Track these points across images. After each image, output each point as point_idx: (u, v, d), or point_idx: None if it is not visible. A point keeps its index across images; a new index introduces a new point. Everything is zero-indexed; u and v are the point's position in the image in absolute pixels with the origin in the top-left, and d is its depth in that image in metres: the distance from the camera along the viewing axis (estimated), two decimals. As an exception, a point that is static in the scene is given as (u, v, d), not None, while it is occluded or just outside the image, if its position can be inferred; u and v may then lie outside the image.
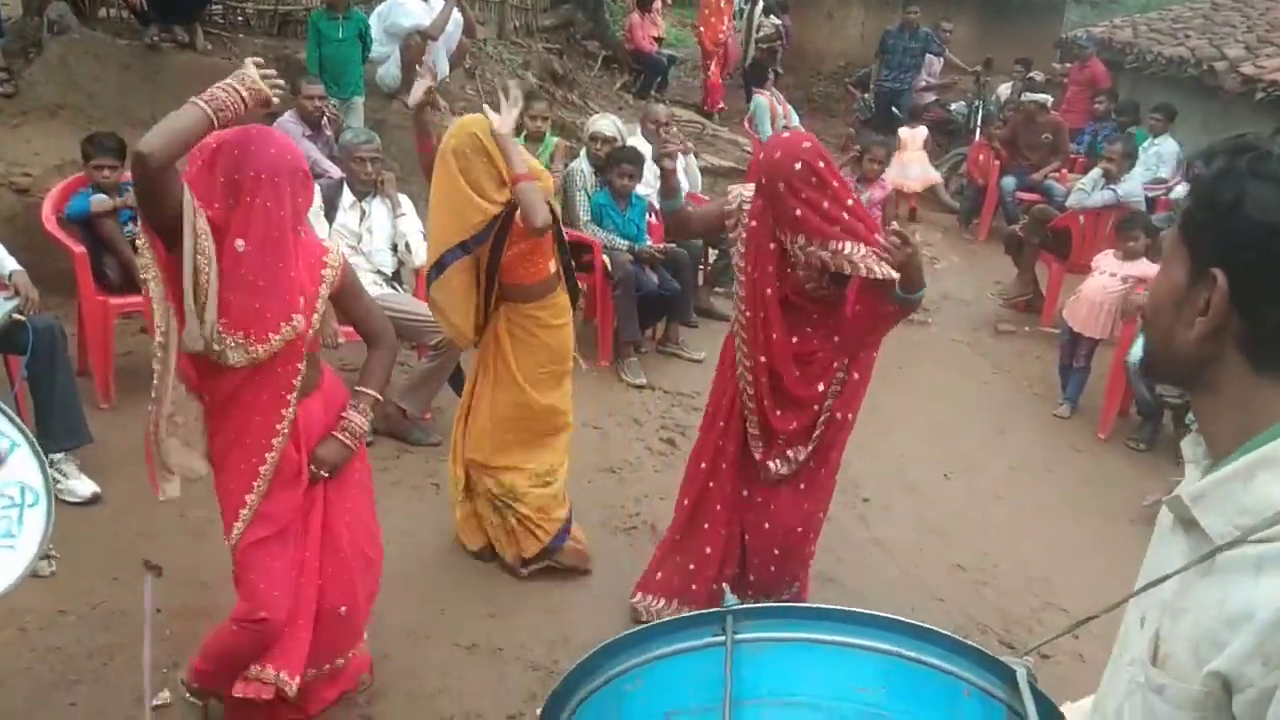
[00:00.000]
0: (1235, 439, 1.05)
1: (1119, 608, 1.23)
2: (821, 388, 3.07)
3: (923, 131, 9.70)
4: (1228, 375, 1.07)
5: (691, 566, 3.30)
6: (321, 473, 2.57)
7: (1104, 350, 5.73)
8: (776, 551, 3.21)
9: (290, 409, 2.45)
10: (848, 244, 2.84)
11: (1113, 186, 6.77)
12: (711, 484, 3.28)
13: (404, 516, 3.93)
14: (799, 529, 3.21)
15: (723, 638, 1.54)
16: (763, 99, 9.25)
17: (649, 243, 5.71)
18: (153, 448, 2.44)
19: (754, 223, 3.02)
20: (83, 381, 4.17)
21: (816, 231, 2.85)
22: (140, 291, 4.38)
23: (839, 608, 1.59)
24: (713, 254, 6.66)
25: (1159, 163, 8.31)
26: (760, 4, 14.16)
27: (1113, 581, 1.21)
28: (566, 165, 5.77)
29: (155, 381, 2.35)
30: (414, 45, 6.71)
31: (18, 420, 2.32)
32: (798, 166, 2.83)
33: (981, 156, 9.20)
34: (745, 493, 3.24)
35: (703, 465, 3.31)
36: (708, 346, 6.07)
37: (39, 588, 3.22)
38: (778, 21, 13.19)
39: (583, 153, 5.89)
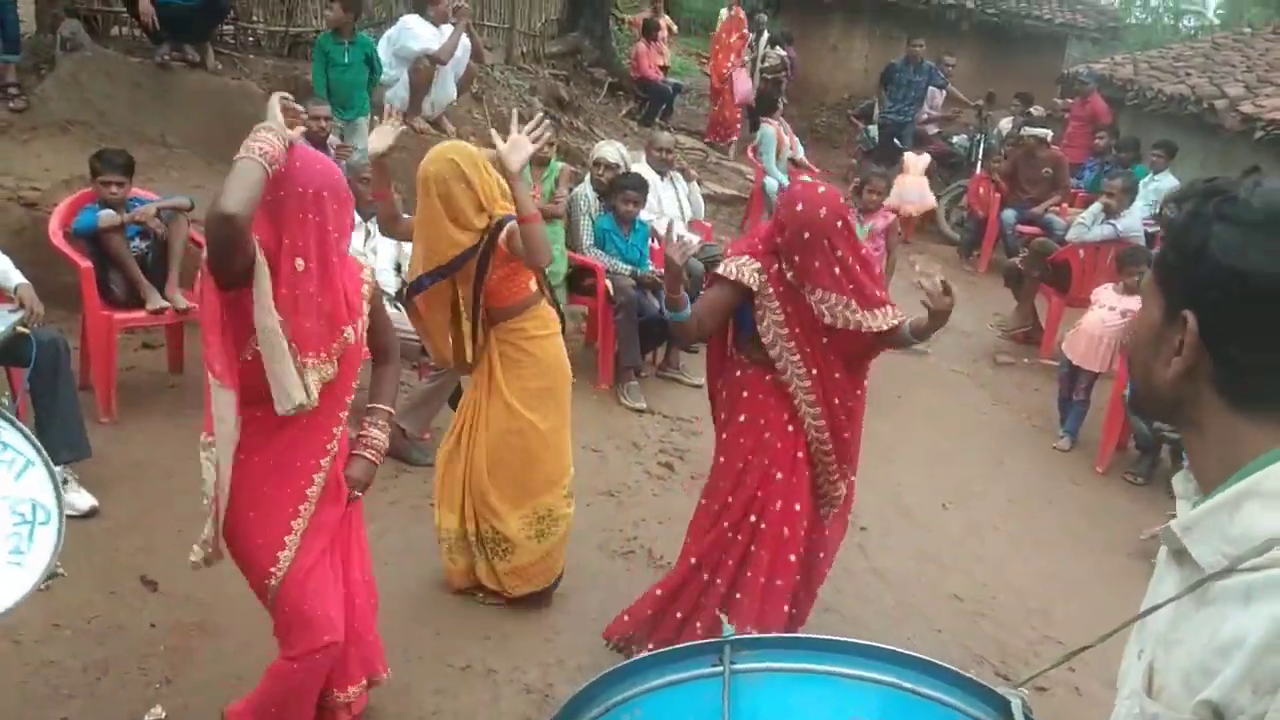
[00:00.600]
0: (1221, 472, 1.07)
1: (1112, 638, 1.25)
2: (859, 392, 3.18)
3: (926, 158, 9.77)
4: (1208, 412, 1.09)
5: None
6: (356, 493, 2.58)
7: (1103, 384, 5.75)
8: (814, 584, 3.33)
9: (341, 426, 2.46)
10: (853, 301, 2.90)
11: (1113, 221, 6.82)
12: (784, 533, 3.10)
13: (401, 536, 3.93)
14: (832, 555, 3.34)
15: (721, 668, 1.54)
16: (770, 129, 9.31)
17: (651, 268, 5.74)
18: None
19: (781, 287, 2.96)
20: (84, 395, 4.18)
21: (832, 285, 2.88)
22: (143, 307, 4.44)
23: (837, 638, 1.59)
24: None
25: (1158, 199, 8.36)
26: (766, 35, 14.32)
27: (1111, 615, 1.22)
28: (571, 190, 5.81)
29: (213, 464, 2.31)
30: (423, 69, 6.77)
31: (34, 439, 2.33)
32: (839, 224, 2.86)
33: (982, 189, 9.26)
34: (814, 538, 3.20)
35: (752, 519, 3.12)
36: (708, 372, 6.10)
37: (34, 601, 3.16)
38: (783, 53, 13.31)
39: (587, 178, 5.93)
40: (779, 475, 3.07)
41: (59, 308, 4.60)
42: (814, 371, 3.00)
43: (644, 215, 5.84)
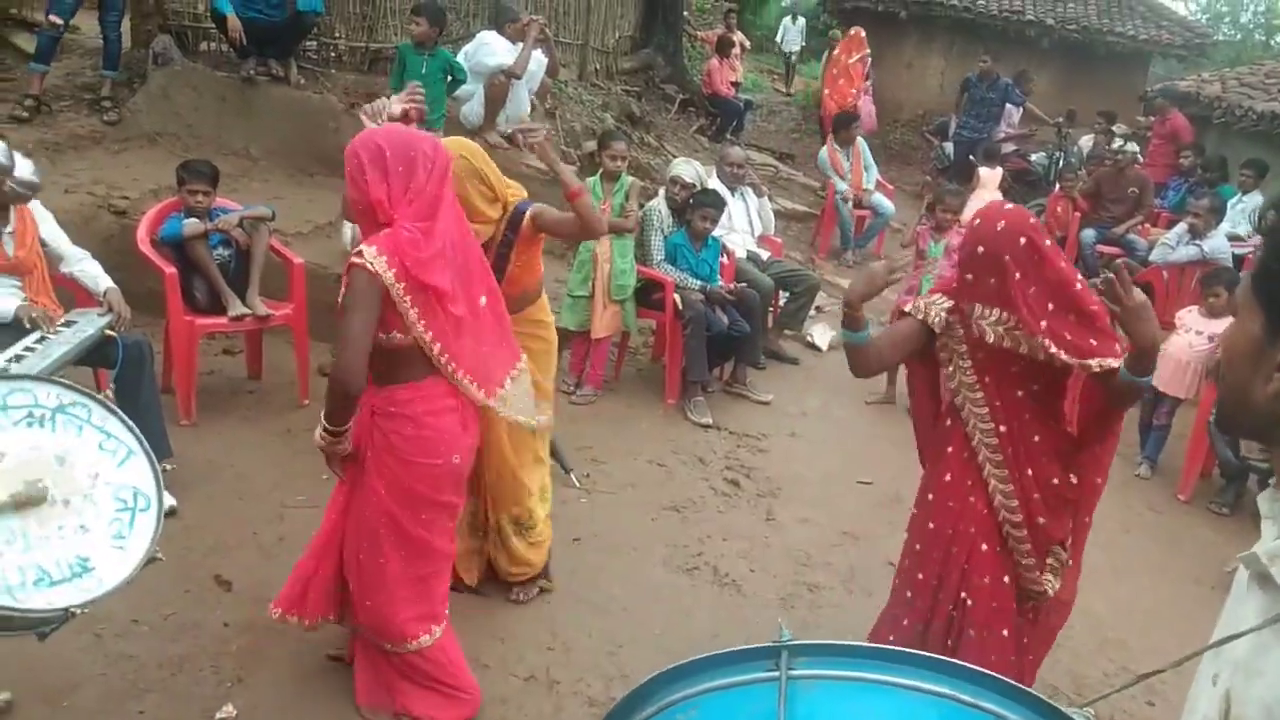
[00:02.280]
0: None
1: (1187, 664, 1.20)
2: (1073, 479, 2.76)
3: (999, 172, 9.59)
4: None
5: None
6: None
7: (1185, 409, 5.56)
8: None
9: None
10: (1035, 325, 2.56)
11: (1198, 242, 6.62)
12: (994, 606, 2.79)
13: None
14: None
15: (777, 673, 1.52)
16: (824, 152, 9.25)
17: (721, 283, 5.73)
18: None
19: (970, 328, 2.70)
20: (165, 398, 4.30)
21: (998, 302, 2.61)
22: (225, 313, 4.57)
23: (894, 648, 1.57)
24: (783, 296, 6.64)
25: (1245, 219, 8.10)
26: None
27: (1192, 648, 1.17)
28: (642, 205, 5.83)
29: None
30: (498, 84, 6.86)
31: (135, 430, 2.41)
32: (1022, 241, 2.57)
33: (1060, 208, 9.07)
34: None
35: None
36: (775, 389, 6.06)
37: (115, 597, 3.30)
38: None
39: (660, 193, 5.94)
40: (984, 546, 2.76)
41: (144, 312, 4.74)
42: (1002, 429, 2.69)
43: (716, 231, 5.83)
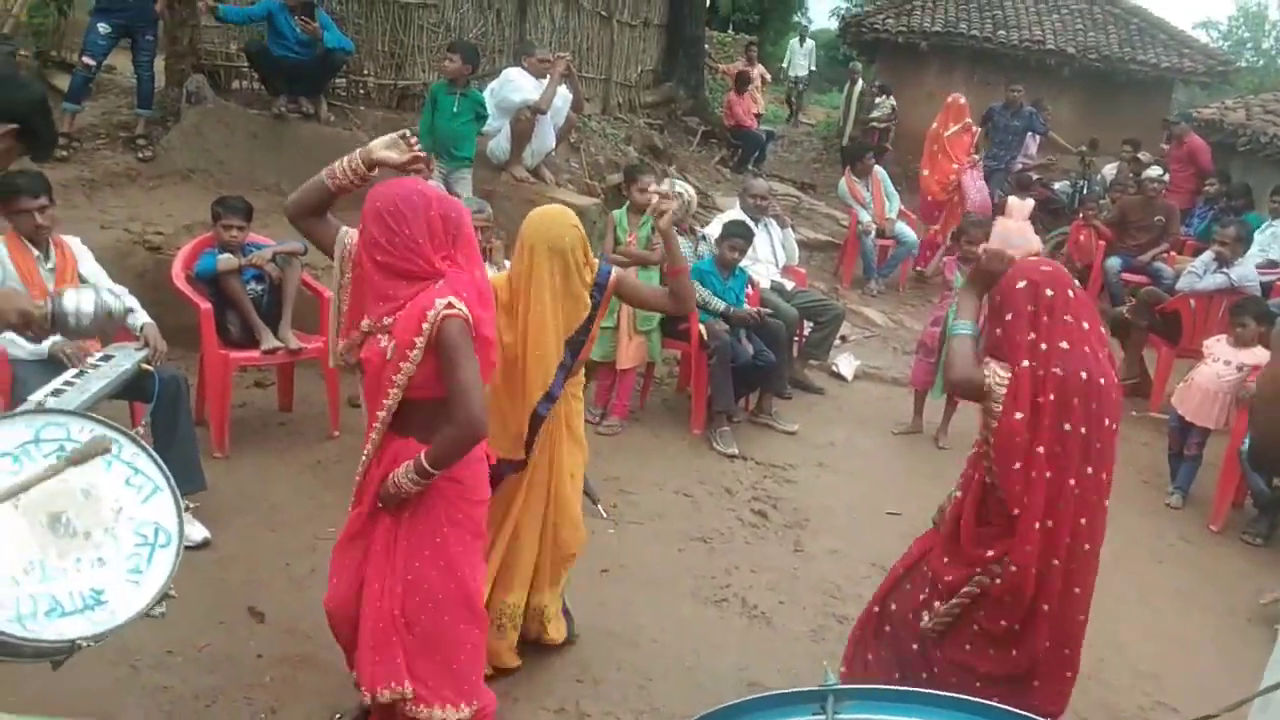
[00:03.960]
0: None
1: (1239, 708, 1.19)
2: (990, 554, 2.75)
3: (1030, 203, 9.54)
4: None
5: None
6: (379, 503, 2.70)
7: (1217, 438, 5.51)
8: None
9: (376, 434, 2.66)
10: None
11: (1225, 270, 6.59)
12: None
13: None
14: None
15: (823, 716, 1.53)
16: (843, 183, 9.27)
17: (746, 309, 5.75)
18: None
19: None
20: (200, 430, 4.36)
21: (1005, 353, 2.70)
22: (258, 347, 4.63)
23: (939, 693, 1.57)
24: (808, 326, 6.66)
25: (1275, 246, 8.05)
26: (860, 83, 14.36)
27: (1228, 681, 1.17)
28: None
29: None
30: (524, 120, 6.96)
31: (164, 466, 2.45)
32: (1021, 284, 2.70)
33: (1083, 237, 9.05)
34: None
35: None
36: (801, 419, 6.06)
37: (150, 628, 3.31)
38: (893, 102, 13.30)
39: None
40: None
41: (178, 346, 4.81)
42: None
43: (744, 262, 5.87)
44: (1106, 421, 2.66)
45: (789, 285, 6.61)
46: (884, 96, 13.65)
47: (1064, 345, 2.63)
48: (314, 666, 3.28)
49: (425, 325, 2.47)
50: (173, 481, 2.44)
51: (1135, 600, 4.53)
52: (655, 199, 3.29)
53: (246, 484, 4.40)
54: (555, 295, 3.05)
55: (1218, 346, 5.58)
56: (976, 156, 9.59)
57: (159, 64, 6.96)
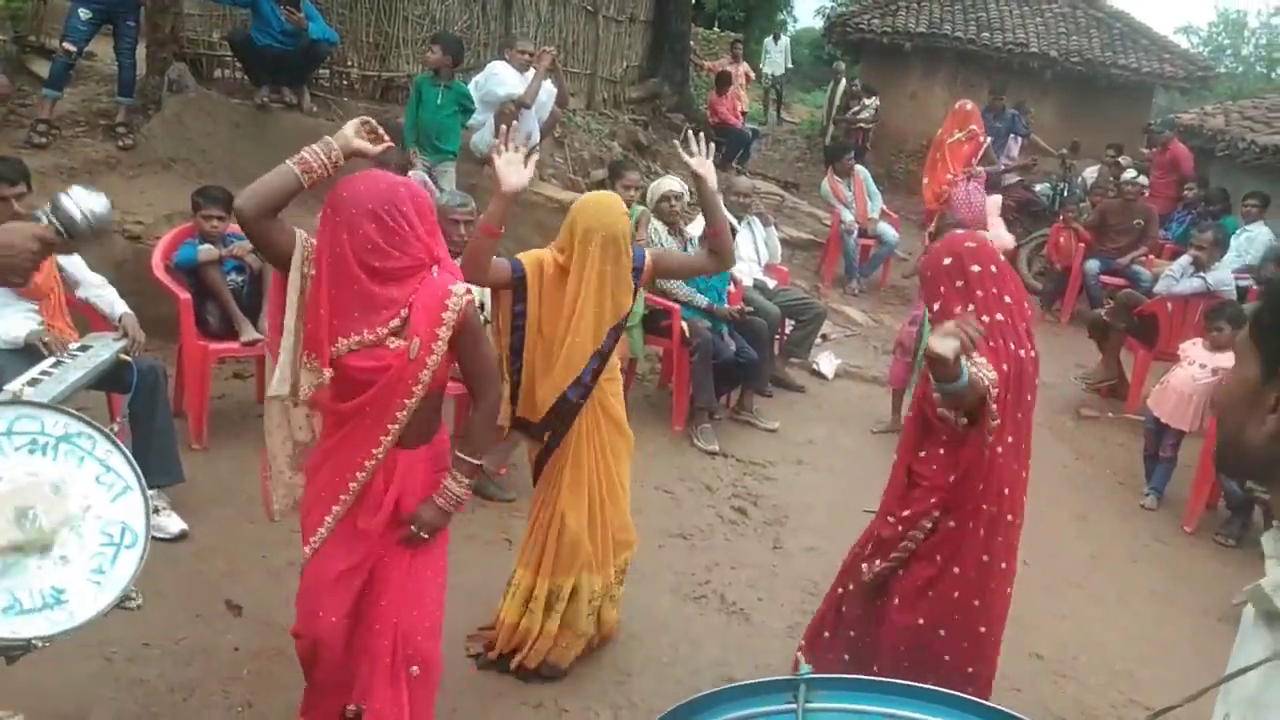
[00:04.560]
0: None
1: (1199, 699, 1.21)
2: (907, 513, 2.91)
3: (998, 199, 9.53)
4: None
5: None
6: (421, 534, 2.56)
7: (1191, 440, 5.57)
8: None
9: (380, 448, 2.47)
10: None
11: (1202, 274, 6.66)
12: None
13: (476, 572, 3.96)
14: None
15: (795, 705, 1.55)
16: (825, 183, 9.30)
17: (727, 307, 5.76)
18: (271, 467, 2.61)
19: None
20: (177, 422, 4.33)
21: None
22: (237, 338, 4.60)
23: (909, 683, 1.59)
24: (789, 325, 6.68)
25: (1250, 250, 8.14)
26: (844, 83, 14.41)
27: (1200, 680, 1.18)
28: (652, 231, 5.87)
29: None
30: (508, 113, 6.93)
31: (135, 465, 2.42)
32: (946, 260, 2.82)
33: (1062, 239, 9.12)
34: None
35: None
36: (782, 416, 6.08)
37: (126, 620, 3.32)
38: (878, 102, 13.32)
39: (649, 215, 5.86)
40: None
41: (157, 337, 4.78)
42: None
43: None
44: (1028, 396, 2.81)
45: (771, 283, 6.63)
46: (871, 97, 13.69)
47: (1000, 318, 2.74)
48: (291, 659, 3.23)
49: (448, 314, 2.41)
50: (143, 482, 2.41)
51: (1111, 600, 4.58)
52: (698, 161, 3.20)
53: (225, 476, 4.37)
54: (605, 282, 3.04)
55: (1193, 350, 5.64)
56: (979, 168, 8.79)
57: (140, 51, 6.89)
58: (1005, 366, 2.70)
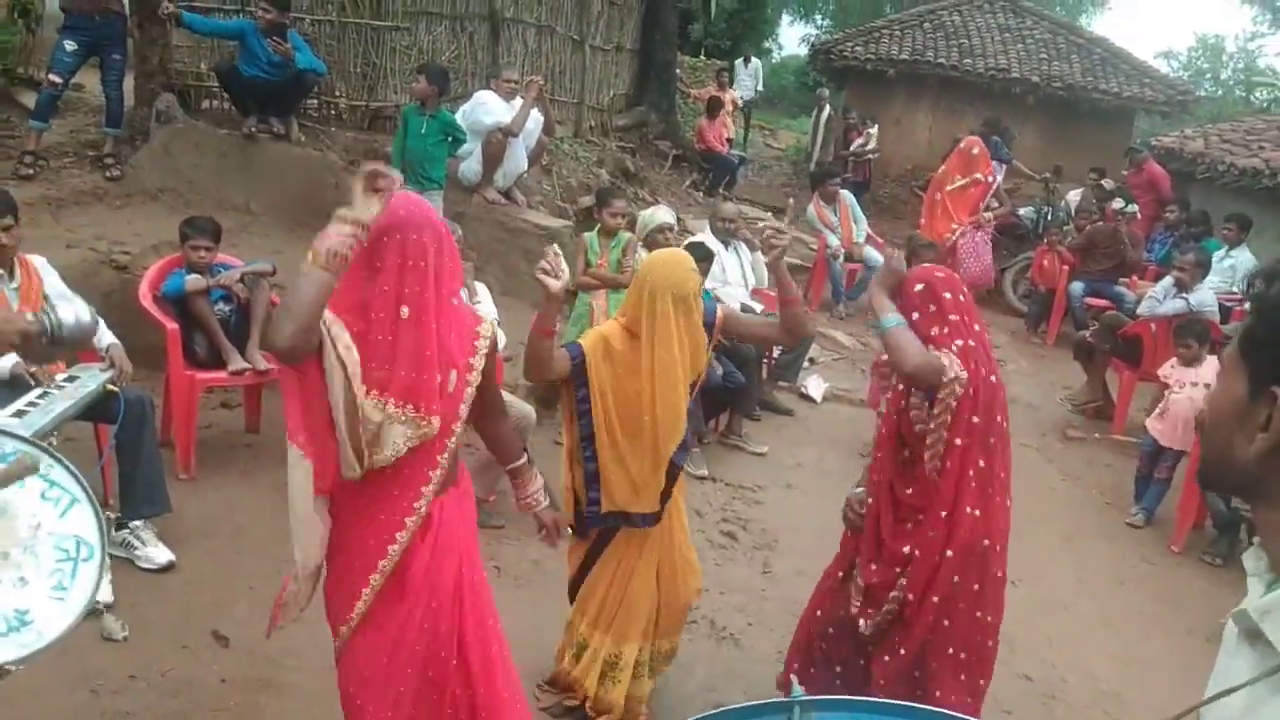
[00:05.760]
0: None
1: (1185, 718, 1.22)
2: (907, 550, 2.90)
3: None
4: None
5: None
6: (557, 533, 2.71)
7: (1182, 461, 5.60)
8: None
9: (422, 500, 2.30)
10: None
11: (1185, 296, 6.72)
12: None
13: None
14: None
15: (791, 727, 1.55)
16: (811, 208, 9.36)
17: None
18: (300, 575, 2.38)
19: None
20: (164, 452, 4.31)
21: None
22: (225, 368, 4.59)
23: (902, 703, 1.60)
24: (777, 349, 6.70)
25: (1234, 274, 8.22)
26: (828, 109, 14.51)
27: (1187, 700, 1.20)
28: (637, 259, 5.89)
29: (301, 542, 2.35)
30: (495, 142, 6.99)
31: (80, 477, 2.39)
32: (918, 287, 2.91)
33: (1046, 262, 9.20)
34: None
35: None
36: (770, 440, 6.09)
37: (112, 652, 3.31)
38: (877, 131, 13.14)
39: (639, 247, 5.90)
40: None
41: (144, 367, 4.77)
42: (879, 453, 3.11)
43: (708, 284, 5.89)
44: (998, 418, 2.85)
45: (758, 308, 6.66)
46: (874, 126, 13.31)
47: (971, 343, 2.81)
48: (278, 690, 3.25)
49: (480, 343, 2.35)
50: (90, 490, 2.38)
51: (1098, 621, 4.59)
52: (768, 232, 3.12)
53: (212, 506, 4.36)
54: (682, 343, 2.95)
55: (1175, 372, 5.69)
56: (987, 215, 8.05)
57: (128, 83, 6.93)
58: (974, 389, 2.76)
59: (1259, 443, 1.07)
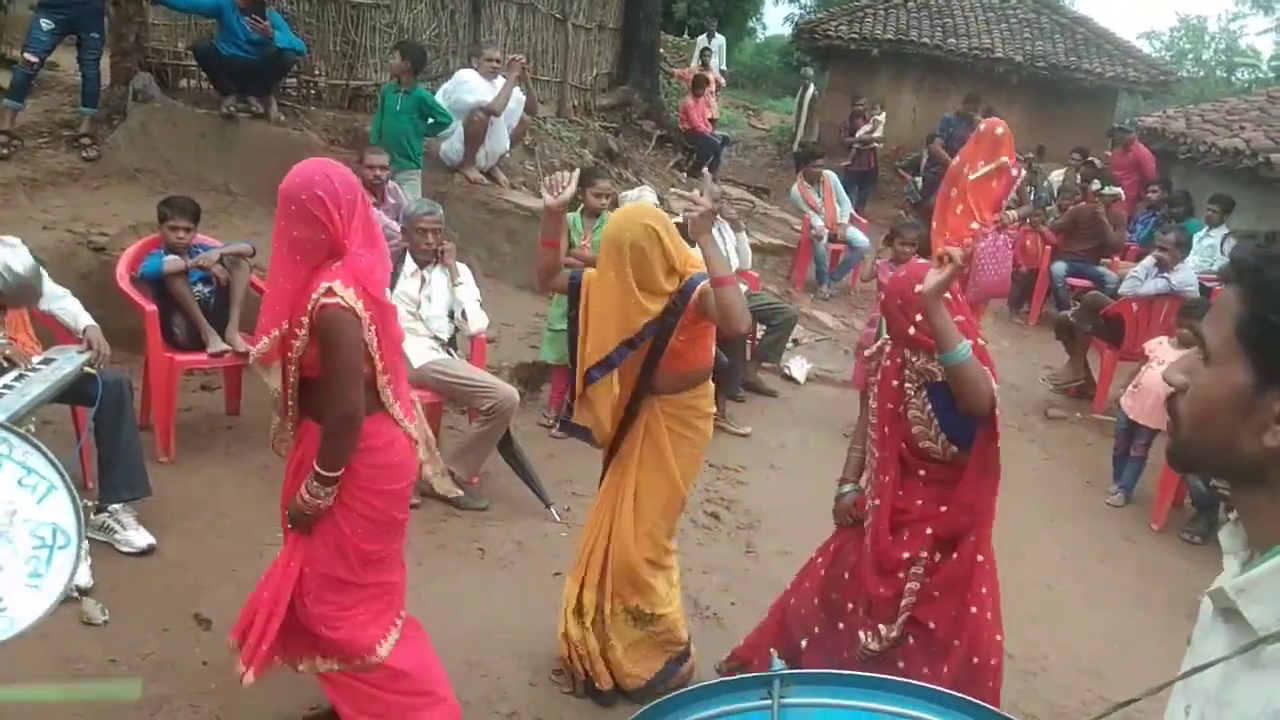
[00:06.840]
0: None
1: (1161, 692, 1.22)
2: (906, 555, 2.90)
3: None
4: None
5: None
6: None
7: (1161, 439, 5.64)
8: None
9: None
10: None
11: (1166, 275, 6.75)
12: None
13: (447, 581, 3.95)
14: None
15: (770, 701, 1.55)
16: (795, 188, 9.36)
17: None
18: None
19: (888, 362, 3.00)
20: (144, 435, 4.28)
21: (924, 346, 2.85)
22: (204, 350, 4.55)
23: (884, 677, 1.60)
24: (760, 329, 6.70)
25: (1213, 253, 8.26)
26: (812, 89, 14.45)
27: (1168, 677, 1.20)
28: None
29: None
30: (477, 121, 6.93)
31: (58, 464, 2.37)
32: (919, 288, 2.81)
33: (1029, 242, 9.22)
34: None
35: None
36: (754, 421, 6.10)
37: (91, 636, 3.28)
38: (884, 117, 12.83)
39: None
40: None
41: (123, 349, 4.72)
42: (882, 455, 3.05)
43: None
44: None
45: (742, 289, 6.64)
46: (882, 114, 12.67)
47: (981, 343, 2.87)
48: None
49: (308, 303, 2.56)
50: (68, 478, 2.36)
51: (1080, 599, 4.63)
52: (685, 204, 3.15)
53: (193, 489, 4.33)
54: (610, 287, 3.05)
55: (1160, 349, 5.71)
56: (1011, 214, 6.97)
57: (105, 61, 6.82)
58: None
59: (1276, 436, 1.02)
